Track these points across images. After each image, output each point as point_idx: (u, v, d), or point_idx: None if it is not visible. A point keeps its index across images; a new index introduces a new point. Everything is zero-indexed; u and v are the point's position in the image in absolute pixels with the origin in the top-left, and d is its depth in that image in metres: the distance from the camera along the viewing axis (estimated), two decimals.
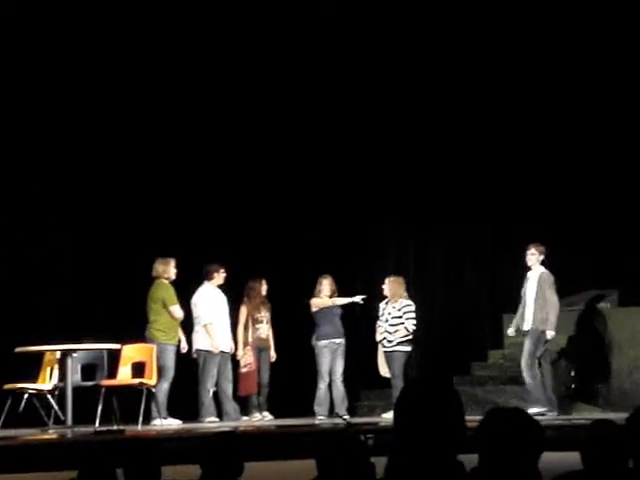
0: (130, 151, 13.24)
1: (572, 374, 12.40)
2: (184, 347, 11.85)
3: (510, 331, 11.94)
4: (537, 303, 11.66)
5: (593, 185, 13.06)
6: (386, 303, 12.17)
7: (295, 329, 12.33)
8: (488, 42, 13.22)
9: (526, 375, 11.51)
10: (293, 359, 12.31)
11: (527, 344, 11.59)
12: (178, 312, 11.71)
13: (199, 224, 13.11)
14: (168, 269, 11.77)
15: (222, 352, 11.93)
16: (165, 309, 11.65)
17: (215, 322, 11.92)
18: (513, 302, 12.06)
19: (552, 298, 11.64)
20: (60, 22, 12.85)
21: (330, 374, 11.99)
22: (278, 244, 13.12)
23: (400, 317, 12.02)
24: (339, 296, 12.18)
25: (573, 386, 12.36)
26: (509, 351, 12.89)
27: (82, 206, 13.18)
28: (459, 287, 13.68)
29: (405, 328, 11.98)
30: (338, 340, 12.07)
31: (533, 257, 11.81)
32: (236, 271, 12.22)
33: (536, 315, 11.61)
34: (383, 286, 12.16)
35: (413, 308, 12.10)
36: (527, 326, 11.68)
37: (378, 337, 12.09)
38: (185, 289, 12.04)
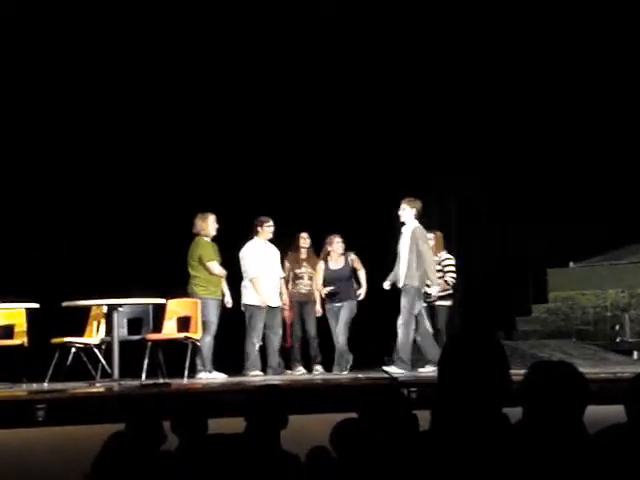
0: (164, 115, 13.33)
1: (616, 328, 12.35)
2: (228, 301, 11.86)
3: (385, 284, 11.65)
4: (410, 259, 11.42)
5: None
6: None
7: None
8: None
9: (400, 332, 11.34)
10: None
11: (403, 301, 11.39)
12: (216, 268, 11.72)
13: (252, 178, 13.15)
14: (206, 225, 11.75)
15: (270, 307, 11.95)
16: (203, 266, 11.68)
17: (262, 276, 11.91)
18: (557, 257, 11.99)
19: (426, 254, 11.40)
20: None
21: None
22: (325, 198, 13.11)
23: (441, 271, 11.98)
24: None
25: (618, 339, 12.31)
26: (553, 305, 12.85)
27: (133, 162, 13.28)
28: (502, 241, 13.62)
29: (445, 281, 11.94)
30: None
31: (404, 212, 11.53)
32: (290, 225, 12.22)
33: (410, 271, 11.37)
34: None
35: (453, 262, 12.04)
36: (401, 283, 11.48)
37: None
38: (236, 244, 12.07)
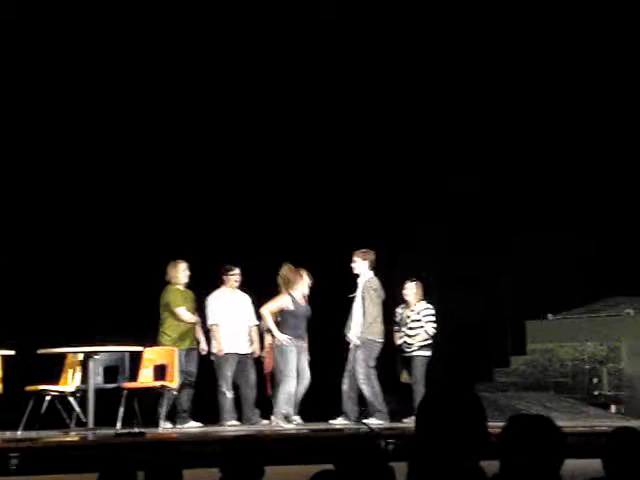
0: (142, 156, 13.29)
1: (594, 381, 12.35)
2: (203, 349, 11.85)
3: (350, 337, 11.58)
4: (361, 312, 11.51)
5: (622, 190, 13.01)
6: (403, 308, 12.13)
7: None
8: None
9: (365, 387, 11.38)
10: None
11: (359, 355, 11.43)
12: (184, 315, 11.69)
13: (232, 226, 13.14)
14: (176, 272, 11.77)
15: (238, 354, 11.90)
16: (171, 313, 11.66)
17: (221, 324, 11.88)
18: (536, 308, 12.00)
19: (369, 308, 11.47)
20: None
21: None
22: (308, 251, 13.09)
23: (419, 320, 11.98)
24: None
25: (596, 393, 12.30)
26: (531, 357, 12.85)
27: (104, 208, 13.23)
28: (482, 293, 13.62)
29: (425, 332, 11.93)
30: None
31: (356, 265, 11.63)
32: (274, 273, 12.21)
33: (363, 324, 11.46)
34: (403, 291, 12.12)
35: (433, 311, 12.05)
36: (354, 335, 11.52)
37: (397, 342, 12.04)
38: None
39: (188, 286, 11.89)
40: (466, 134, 13.46)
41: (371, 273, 11.64)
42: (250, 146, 13.46)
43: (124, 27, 13.02)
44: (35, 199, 13.11)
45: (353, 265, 11.64)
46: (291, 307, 11.51)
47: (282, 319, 11.59)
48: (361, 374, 11.41)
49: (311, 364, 11.60)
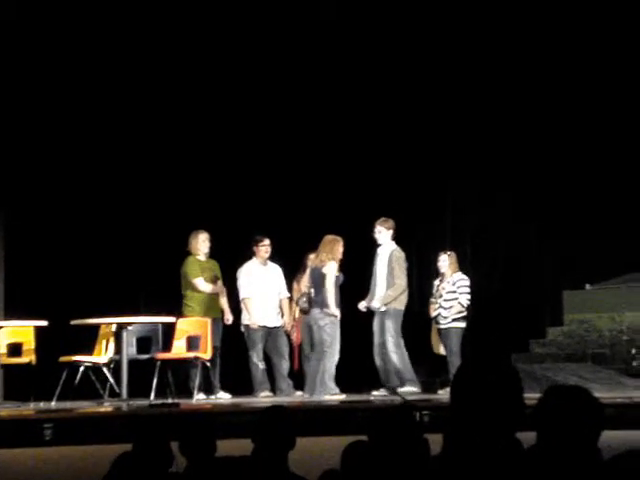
0: (177, 132, 13.31)
1: (633, 351, 12.23)
2: (228, 319, 11.84)
3: (361, 305, 11.53)
4: (388, 282, 11.39)
5: None
6: (440, 280, 12.05)
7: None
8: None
9: (395, 356, 11.28)
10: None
11: (388, 325, 11.33)
12: (201, 285, 11.69)
13: (266, 197, 13.13)
14: (195, 243, 11.76)
15: (268, 327, 11.89)
16: (190, 284, 11.65)
17: (253, 297, 11.86)
18: (574, 278, 11.89)
19: (398, 279, 11.37)
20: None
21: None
22: (334, 219, 13.04)
23: (454, 292, 11.89)
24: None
25: (635, 363, 12.19)
26: (568, 328, 12.75)
27: (138, 180, 13.24)
28: (519, 263, 13.52)
29: (459, 303, 11.84)
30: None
31: (380, 235, 11.50)
32: (300, 246, 12.16)
33: (391, 294, 11.36)
34: (437, 263, 12.04)
35: (467, 283, 11.94)
36: (378, 304, 11.42)
37: (432, 314, 11.97)
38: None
39: (214, 256, 11.87)
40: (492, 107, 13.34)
41: (394, 243, 11.55)
42: (275, 123, 13.41)
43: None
44: (67, 172, 13.13)
45: (376, 235, 11.51)
46: (337, 274, 11.37)
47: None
48: (391, 343, 11.35)
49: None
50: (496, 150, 13.31)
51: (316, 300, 11.32)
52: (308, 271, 11.62)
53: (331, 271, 11.27)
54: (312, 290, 11.41)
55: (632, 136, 12.96)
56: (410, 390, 10.99)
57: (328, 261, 11.29)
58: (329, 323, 11.24)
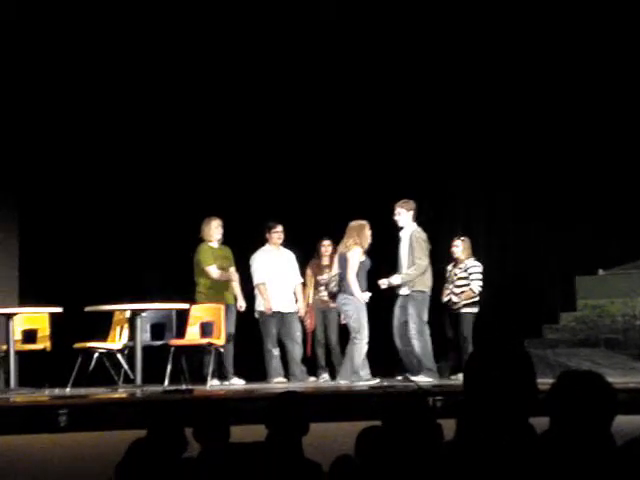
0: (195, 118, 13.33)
1: None
2: (241, 306, 11.85)
3: (381, 283, 11.26)
4: (409, 263, 11.24)
5: None
6: (453, 265, 12.03)
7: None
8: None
9: (416, 342, 11.12)
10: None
11: (411, 309, 11.18)
12: (213, 273, 11.68)
13: (278, 185, 13.13)
14: (208, 230, 11.76)
15: (281, 313, 11.90)
16: (203, 272, 11.66)
17: (267, 282, 11.87)
18: (586, 264, 11.86)
19: (419, 259, 11.19)
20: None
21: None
22: (347, 206, 13.04)
23: (466, 278, 11.88)
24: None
25: None
26: (581, 313, 12.73)
27: (152, 167, 13.28)
28: (531, 248, 13.49)
29: (471, 289, 11.83)
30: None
31: (400, 217, 11.34)
32: (313, 232, 12.16)
33: (413, 275, 11.19)
34: (451, 248, 12.02)
35: (480, 269, 11.93)
36: (405, 290, 11.29)
37: (444, 299, 11.96)
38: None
39: (228, 242, 11.88)
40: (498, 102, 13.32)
41: (415, 224, 11.48)
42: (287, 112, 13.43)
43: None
44: (80, 159, 13.17)
45: (396, 218, 11.39)
46: (363, 259, 11.28)
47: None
48: (413, 329, 11.21)
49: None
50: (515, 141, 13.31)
51: (342, 285, 11.30)
52: (336, 257, 11.54)
53: (354, 256, 11.19)
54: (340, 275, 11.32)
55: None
56: (426, 380, 10.91)
57: (354, 246, 11.22)
58: (353, 309, 11.19)
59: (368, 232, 11.22)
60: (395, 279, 11.33)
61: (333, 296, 11.46)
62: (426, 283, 11.37)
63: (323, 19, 13.12)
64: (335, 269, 11.43)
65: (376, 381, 10.99)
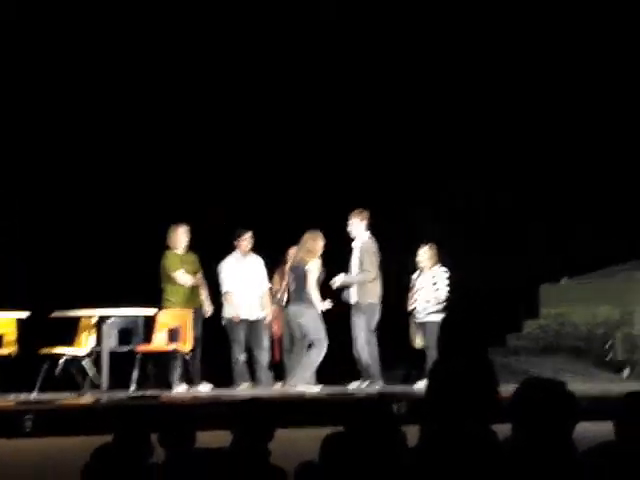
0: (160, 124, 13.32)
1: (607, 345, 12.33)
2: (207, 310, 11.82)
3: (335, 281, 11.31)
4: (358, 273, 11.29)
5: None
6: (418, 273, 12.07)
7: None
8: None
9: (363, 353, 11.17)
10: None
11: (360, 320, 11.22)
12: (180, 278, 11.65)
13: (247, 193, 13.14)
14: (174, 237, 11.71)
15: (249, 320, 11.92)
16: (169, 278, 11.66)
17: (234, 290, 11.91)
18: (549, 272, 11.94)
19: (367, 271, 11.21)
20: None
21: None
22: (315, 214, 13.07)
23: (433, 285, 11.91)
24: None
25: (609, 357, 12.29)
26: (544, 321, 12.84)
27: (118, 173, 13.25)
28: (494, 256, 13.57)
29: (436, 297, 11.86)
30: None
31: (352, 227, 11.35)
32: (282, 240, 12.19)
33: (363, 287, 11.23)
34: (417, 257, 12.06)
35: (446, 276, 11.96)
36: (353, 299, 11.33)
37: (410, 307, 11.99)
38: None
39: (193, 249, 11.86)
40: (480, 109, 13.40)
41: (368, 234, 11.49)
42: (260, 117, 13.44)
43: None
44: (47, 164, 13.13)
45: (349, 228, 11.37)
46: (320, 271, 11.31)
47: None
48: (361, 338, 11.26)
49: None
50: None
51: (295, 297, 11.33)
52: (288, 268, 11.60)
53: (313, 269, 11.25)
54: (292, 286, 11.39)
55: (625, 133, 13.04)
56: (369, 387, 10.94)
57: (309, 259, 11.24)
58: (310, 319, 11.24)
59: (321, 242, 11.25)
60: (339, 278, 11.39)
61: (282, 308, 11.54)
62: (375, 294, 11.40)
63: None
64: (285, 281, 11.51)
65: (318, 388, 11.06)
